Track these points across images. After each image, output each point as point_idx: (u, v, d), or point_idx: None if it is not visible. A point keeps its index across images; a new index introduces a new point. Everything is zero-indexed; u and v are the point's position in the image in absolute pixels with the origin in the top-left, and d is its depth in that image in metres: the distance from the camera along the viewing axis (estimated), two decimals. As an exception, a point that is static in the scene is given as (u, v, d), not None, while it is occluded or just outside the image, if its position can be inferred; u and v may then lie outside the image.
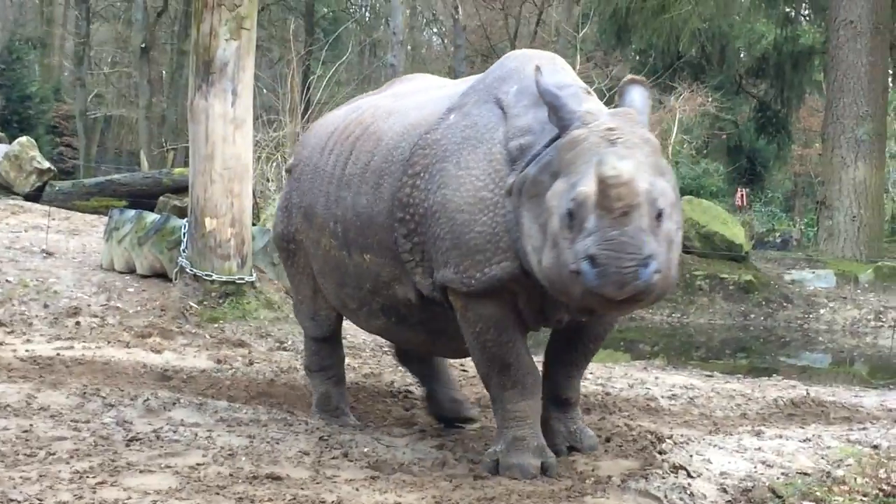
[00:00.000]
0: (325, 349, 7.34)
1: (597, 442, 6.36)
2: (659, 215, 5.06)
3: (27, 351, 8.79)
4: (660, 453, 6.24)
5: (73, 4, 46.01)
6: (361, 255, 6.32)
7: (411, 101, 6.63)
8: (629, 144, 5.16)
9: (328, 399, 7.25)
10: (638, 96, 5.55)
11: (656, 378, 9.87)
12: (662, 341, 16.18)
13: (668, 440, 6.53)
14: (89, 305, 10.68)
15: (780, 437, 6.84)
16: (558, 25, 36.93)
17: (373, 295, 6.43)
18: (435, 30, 51.75)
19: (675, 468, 5.90)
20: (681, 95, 30.83)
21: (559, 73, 5.96)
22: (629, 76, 5.68)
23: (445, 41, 49.37)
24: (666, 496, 5.47)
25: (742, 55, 37.68)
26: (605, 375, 9.71)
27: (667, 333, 17.07)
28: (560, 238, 5.12)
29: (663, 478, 5.72)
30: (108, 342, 9.45)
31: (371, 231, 6.22)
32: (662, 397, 8.78)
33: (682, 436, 6.72)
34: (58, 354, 8.72)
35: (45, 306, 10.49)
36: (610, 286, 4.91)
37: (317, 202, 6.72)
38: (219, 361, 9.06)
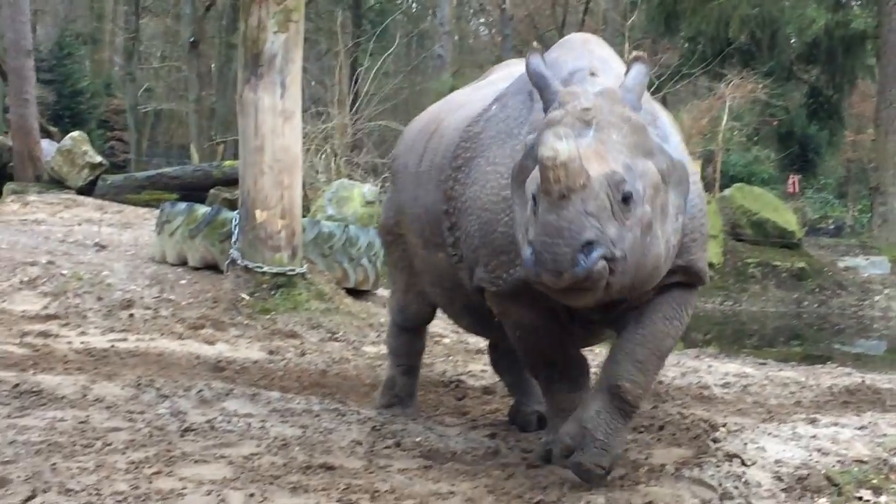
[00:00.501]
0: (405, 337, 7.24)
1: (595, 482, 5.41)
2: (626, 199, 4.73)
3: (82, 343, 8.87)
4: (713, 442, 6.20)
5: (123, 0, 46.36)
6: (436, 253, 6.24)
7: (484, 91, 6.43)
8: (604, 124, 4.91)
9: (393, 384, 7.20)
10: (634, 73, 5.25)
11: (709, 366, 9.81)
12: (715, 329, 16.11)
13: (721, 428, 6.49)
14: (142, 298, 10.76)
15: (836, 424, 6.77)
16: (606, 13, 36.84)
17: (453, 294, 6.35)
18: (482, 20, 51.68)
19: (729, 456, 5.85)
20: (731, 82, 30.62)
21: (584, 55, 5.71)
22: (634, 53, 5.48)
23: (493, 31, 49.31)
24: (720, 484, 5.44)
25: (793, 41, 37.33)
26: (657, 364, 9.64)
27: (719, 321, 16.99)
28: (529, 225, 4.91)
29: (717, 466, 5.68)
30: (162, 334, 9.52)
31: (438, 229, 6.10)
32: (715, 385, 8.73)
33: (735, 424, 6.67)
34: (112, 346, 8.80)
35: (99, 299, 10.57)
36: (547, 274, 4.63)
37: (406, 200, 6.64)
38: (271, 352, 9.11)
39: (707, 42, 33.23)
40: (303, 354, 9.11)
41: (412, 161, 6.59)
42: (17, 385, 6.93)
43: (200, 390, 7.14)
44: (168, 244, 12.22)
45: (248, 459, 5.63)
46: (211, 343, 9.27)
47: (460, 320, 6.73)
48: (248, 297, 10.73)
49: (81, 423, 6.22)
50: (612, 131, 4.92)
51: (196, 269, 11.83)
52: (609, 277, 4.66)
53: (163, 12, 48.59)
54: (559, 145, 4.58)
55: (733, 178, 30.60)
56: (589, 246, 4.58)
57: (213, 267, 11.73)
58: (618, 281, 4.73)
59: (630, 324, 5.53)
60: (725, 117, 29.88)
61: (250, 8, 11.16)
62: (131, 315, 10.20)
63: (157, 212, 13.62)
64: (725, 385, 8.80)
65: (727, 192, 25.34)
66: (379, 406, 7.11)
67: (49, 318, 9.82)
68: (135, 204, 19.87)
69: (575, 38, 6.09)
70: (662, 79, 30.07)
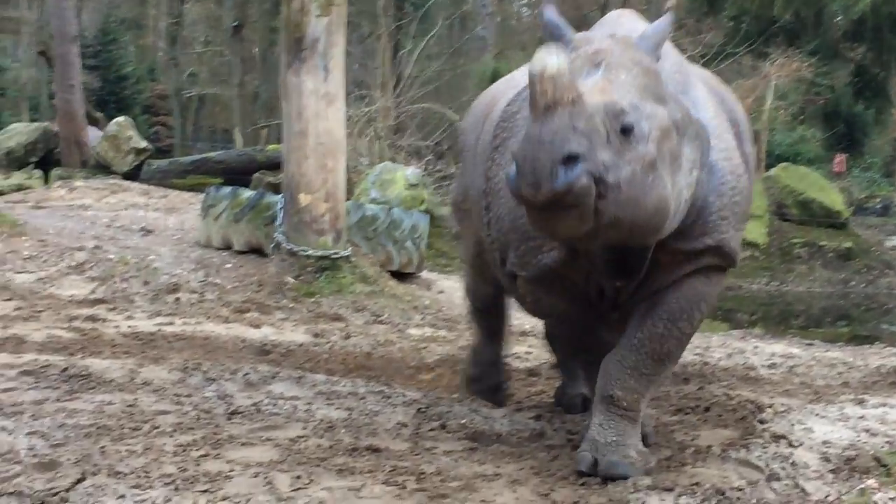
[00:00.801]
0: (479, 316, 7.26)
1: (634, 470, 5.25)
2: (626, 131, 4.55)
3: (129, 327, 8.94)
4: (760, 423, 6.17)
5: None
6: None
7: None
8: (614, 65, 4.79)
9: (478, 353, 7.25)
10: (655, 23, 5.20)
11: (755, 347, 9.76)
12: (760, 310, 16.02)
13: (768, 409, 6.46)
14: (188, 282, 10.82)
15: (884, 405, 6.72)
16: (649, -7, 36.56)
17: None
18: (524, 1, 51.50)
19: (776, 438, 5.83)
20: (775, 61, 30.38)
21: (614, 28, 5.51)
22: (668, 3, 5.42)
23: (535, 12, 49.13)
24: (767, 466, 5.41)
25: (838, 18, 36.97)
26: (703, 345, 9.62)
27: (765, 302, 16.90)
28: None
29: (764, 447, 5.66)
30: (208, 317, 9.58)
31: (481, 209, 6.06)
32: (762, 366, 8.69)
33: (782, 405, 6.64)
34: (159, 330, 8.86)
35: (146, 283, 10.64)
36: (526, 187, 4.39)
37: (467, 177, 6.60)
38: (316, 335, 9.14)
39: (751, 21, 32.99)
40: (347, 337, 9.13)
41: (472, 139, 6.56)
42: (65, 369, 6.99)
43: (246, 373, 7.18)
44: (213, 228, 12.29)
45: (295, 442, 5.65)
46: (256, 326, 9.32)
47: (521, 307, 6.62)
48: (292, 281, 10.77)
49: (129, 406, 6.27)
50: (620, 72, 4.79)
51: (241, 252, 11.90)
52: (598, 202, 4.43)
53: (207, -1, 48.77)
54: (548, 59, 4.44)
55: (779, 157, 30.36)
56: (572, 161, 4.36)
57: (257, 251, 11.79)
58: (609, 210, 4.47)
59: (630, 326, 5.44)
60: (770, 96, 29.66)
61: (293, -10, 11.19)
62: (177, 299, 10.27)
63: (201, 196, 13.69)
64: (772, 366, 8.75)
65: (772, 171, 25.19)
66: (467, 379, 7.18)
67: (96, 302, 9.91)
68: (179, 188, 19.99)
69: (610, 15, 6.04)
70: (706, 58, 29.84)
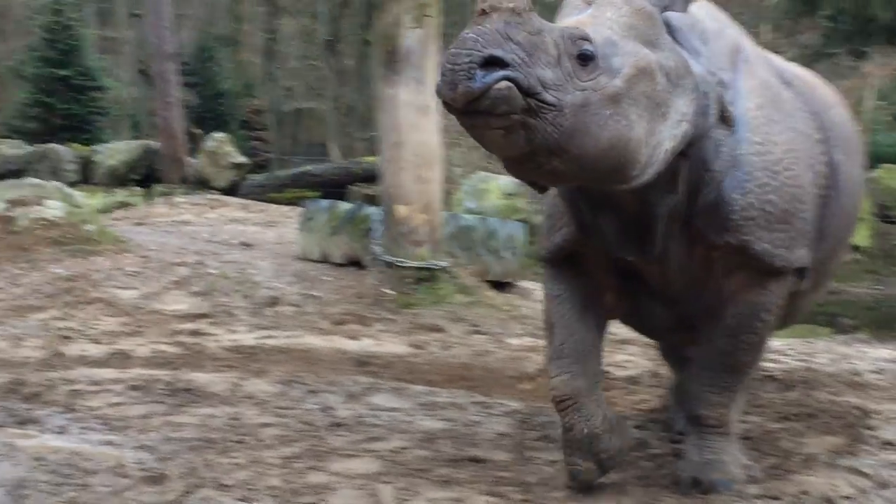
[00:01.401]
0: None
1: (737, 484, 5.22)
2: (585, 57, 4.30)
3: (231, 341, 9.03)
4: (867, 429, 6.06)
5: (261, 1, 47.09)
6: None
7: None
8: (606, 4, 4.64)
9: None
10: None
11: (860, 352, 9.59)
12: (865, 314, 15.73)
13: (875, 415, 6.35)
14: (288, 295, 10.91)
15: None
16: (744, -5, 36.18)
17: None
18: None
19: (885, 444, 5.73)
20: (875, 61, 29.87)
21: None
22: None
23: None
24: (876, 473, 5.32)
25: (940, 15, 36.23)
26: (807, 351, 9.48)
27: (869, 306, 16.59)
28: None
29: (873, 454, 5.56)
30: (307, 330, 9.65)
31: None
32: (868, 372, 8.53)
33: (891, 411, 6.52)
34: (260, 343, 8.95)
35: (246, 297, 10.76)
36: (445, 87, 4.14)
37: None
38: (415, 346, 9.16)
39: (849, 20, 32.44)
40: (447, 348, 9.14)
41: None
42: (170, 383, 7.10)
43: (347, 385, 7.22)
44: (311, 241, 12.40)
45: (397, 453, 5.68)
46: (355, 338, 9.37)
47: None
48: (390, 292, 10.81)
49: (233, 419, 6.35)
50: (608, 10, 4.64)
51: (339, 265, 11.97)
52: (530, 119, 4.17)
53: (299, 12, 49.17)
54: None
55: (880, 158, 29.89)
56: (494, 65, 4.08)
57: (355, 263, 11.86)
58: (547, 132, 4.20)
59: (699, 342, 5.36)
60: (871, 97, 29.17)
61: (386, 5, 11.24)
62: (277, 312, 10.36)
63: (299, 210, 13.81)
64: (879, 371, 8.58)
65: (875, 173, 24.81)
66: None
67: (199, 316, 10.03)
68: (277, 202, 20.21)
69: None
70: (804, 59, 29.44)
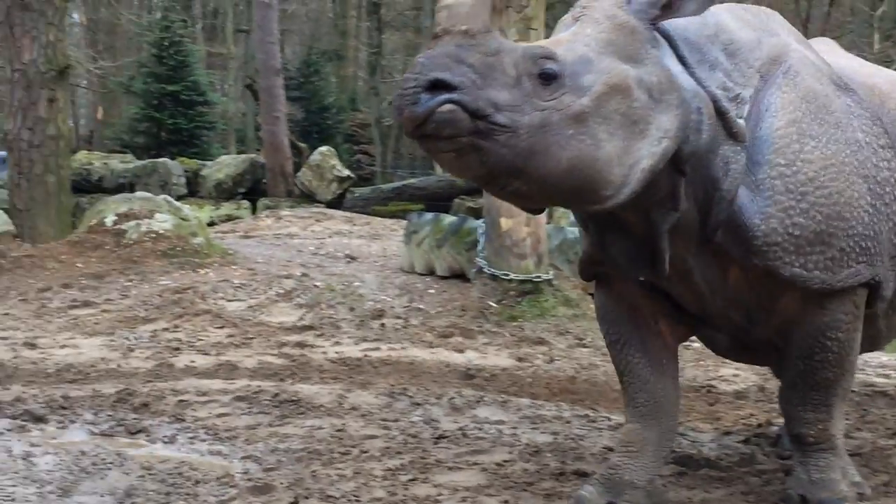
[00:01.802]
0: None
1: (846, 502, 5.02)
2: (547, 77, 4.26)
3: (336, 353, 9.10)
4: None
5: (366, 16, 47.51)
6: None
7: None
8: (586, 21, 4.54)
9: None
10: None
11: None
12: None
13: None
14: (392, 307, 10.96)
15: None
16: (853, 4, 35.62)
17: None
18: (723, 17, 50.78)
19: None
20: None
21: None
22: None
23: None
24: None
25: None
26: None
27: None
28: None
29: None
30: (412, 342, 9.68)
31: None
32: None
33: None
34: (365, 355, 9.00)
35: (352, 309, 10.83)
36: (394, 112, 4.20)
37: None
38: (519, 359, 9.14)
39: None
40: (551, 361, 9.11)
41: None
42: (276, 394, 7.17)
43: (452, 398, 7.23)
44: (416, 254, 12.44)
45: (501, 466, 5.67)
46: (460, 351, 9.37)
47: None
48: (495, 305, 10.81)
49: (338, 430, 6.38)
50: (588, 26, 4.54)
51: (444, 277, 12.00)
52: (483, 142, 4.14)
53: (403, 26, 49.54)
54: None
55: None
56: (440, 88, 4.07)
57: (460, 275, 11.87)
58: (501, 154, 4.18)
59: (772, 363, 5.38)
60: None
61: (490, 18, 11.25)
62: (382, 324, 10.41)
63: (403, 223, 13.87)
64: None
65: None
66: None
67: (305, 328, 10.12)
68: (381, 215, 20.33)
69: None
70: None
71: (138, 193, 14.98)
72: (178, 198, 19.27)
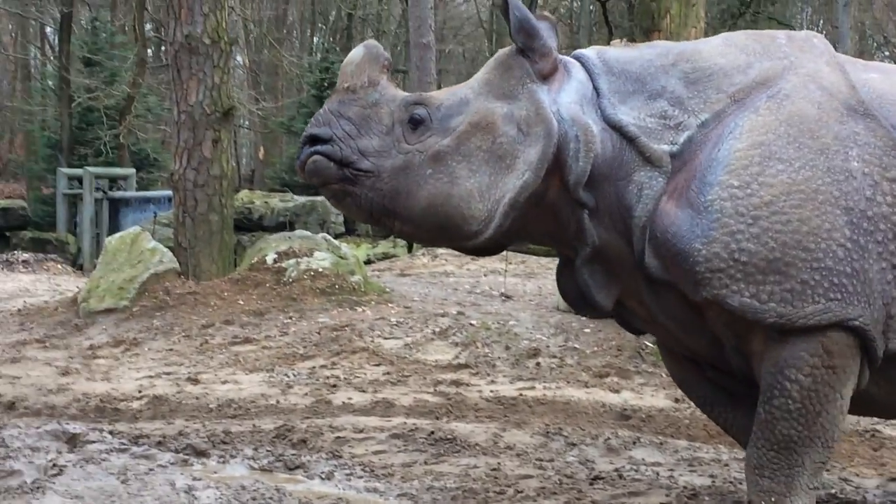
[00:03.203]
0: None
1: None
2: (414, 122, 4.69)
3: (492, 392, 9.11)
4: None
5: (521, 55, 47.83)
6: None
7: None
8: (488, 62, 4.96)
9: None
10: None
11: None
12: None
13: None
14: (548, 346, 10.93)
15: None
16: None
17: None
18: (887, 53, 49.67)
19: None
20: None
21: None
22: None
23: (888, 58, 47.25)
24: None
25: None
26: None
27: None
28: None
29: None
30: (568, 382, 9.64)
31: None
32: None
33: None
34: (520, 394, 8.98)
35: (507, 348, 10.83)
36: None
37: None
38: (676, 400, 9.03)
39: None
40: (709, 402, 8.96)
41: None
42: (432, 433, 7.21)
43: (607, 438, 7.17)
44: (571, 293, 12.39)
45: (658, 509, 5.60)
46: (616, 391, 9.30)
47: None
48: (651, 345, 10.69)
49: (494, 470, 6.39)
50: (481, 70, 4.91)
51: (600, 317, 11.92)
52: (349, 186, 4.67)
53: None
54: (353, 51, 4.84)
55: None
56: (314, 142, 4.68)
57: (615, 315, 11.78)
58: (369, 197, 4.67)
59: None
60: None
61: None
62: (538, 364, 10.38)
63: (558, 261, 13.82)
64: None
65: None
66: None
67: (460, 367, 10.16)
68: (536, 254, 20.24)
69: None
70: None
71: (298, 232, 15.22)
72: (336, 236, 19.54)
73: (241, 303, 12.50)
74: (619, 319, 5.20)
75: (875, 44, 49.29)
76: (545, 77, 4.79)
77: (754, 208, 4.54)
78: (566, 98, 4.76)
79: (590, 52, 5.04)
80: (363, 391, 8.93)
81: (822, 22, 49.75)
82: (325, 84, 35.63)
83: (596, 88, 4.82)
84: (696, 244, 4.53)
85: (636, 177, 4.68)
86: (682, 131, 4.74)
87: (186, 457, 6.43)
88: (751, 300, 4.52)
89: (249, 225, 24.47)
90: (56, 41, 39.63)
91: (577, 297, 4.99)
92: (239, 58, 42.07)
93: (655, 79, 4.85)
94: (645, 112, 4.78)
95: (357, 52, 4.81)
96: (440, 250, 19.93)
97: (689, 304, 4.71)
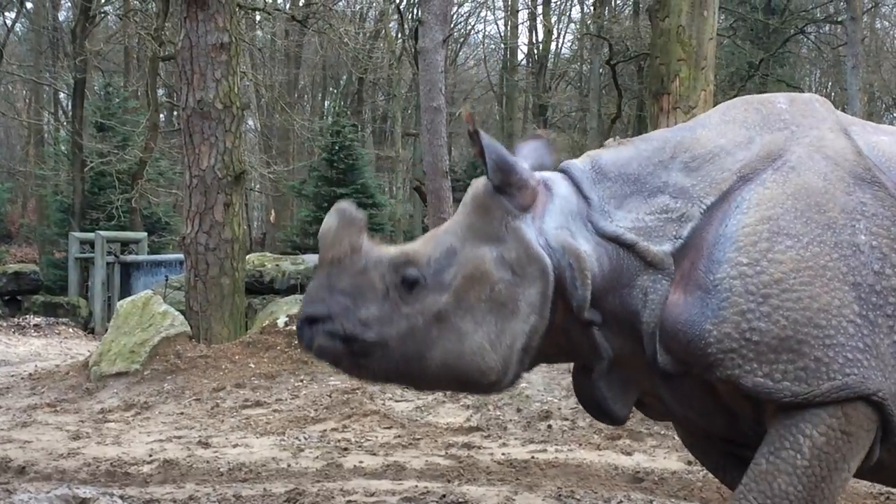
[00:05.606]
0: None
1: None
2: (408, 283, 4.46)
3: (503, 454, 9.07)
4: None
5: (532, 118, 48.02)
6: None
7: None
8: (462, 204, 4.70)
9: None
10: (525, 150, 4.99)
11: None
12: None
13: None
14: (560, 409, 10.90)
15: None
16: None
17: None
18: (896, 113, 49.86)
19: None
20: None
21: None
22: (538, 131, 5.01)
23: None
24: None
25: None
26: None
27: None
28: None
29: None
30: (580, 444, 9.60)
31: None
32: None
33: None
34: (532, 457, 8.94)
35: (518, 410, 10.80)
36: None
37: None
38: (689, 462, 8.97)
39: None
40: (722, 465, 8.91)
41: None
42: (444, 496, 7.17)
43: (620, 501, 7.14)
44: (583, 355, 12.38)
45: (672, 573, 5.56)
46: (628, 453, 9.26)
47: None
48: (663, 407, 10.66)
49: (506, 533, 6.35)
50: (460, 212, 4.67)
51: (611, 379, 11.89)
52: (361, 360, 4.49)
53: (569, 128, 49.88)
54: (327, 218, 4.62)
55: None
56: (314, 322, 4.48)
57: (627, 377, 11.76)
58: (379, 366, 4.50)
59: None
60: None
61: (658, 119, 11.28)
62: (550, 426, 10.35)
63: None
64: None
65: None
66: None
67: (472, 430, 10.13)
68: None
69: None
70: None
71: (309, 295, 15.22)
72: (348, 299, 19.52)
73: (253, 366, 12.50)
74: (638, 407, 5.13)
75: (884, 105, 49.47)
76: (526, 208, 4.66)
77: (764, 286, 4.45)
78: (551, 223, 4.65)
79: (579, 162, 4.92)
80: (374, 454, 8.91)
81: (830, 84, 50.06)
82: (336, 147, 35.85)
83: (586, 199, 4.72)
84: (706, 325, 4.43)
85: (639, 282, 4.60)
86: (685, 222, 4.66)
87: (197, 521, 6.40)
88: (764, 380, 4.41)
89: (260, 288, 24.43)
90: (69, 106, 39.94)
91: (593, 406, 4.91)
92: (251, 122, 42.36)
93: (655, 176, 4.77)
94: (644, 211, 4.69)
95: (331, 220, 4.64)
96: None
97: (704, 389, 4.63)
